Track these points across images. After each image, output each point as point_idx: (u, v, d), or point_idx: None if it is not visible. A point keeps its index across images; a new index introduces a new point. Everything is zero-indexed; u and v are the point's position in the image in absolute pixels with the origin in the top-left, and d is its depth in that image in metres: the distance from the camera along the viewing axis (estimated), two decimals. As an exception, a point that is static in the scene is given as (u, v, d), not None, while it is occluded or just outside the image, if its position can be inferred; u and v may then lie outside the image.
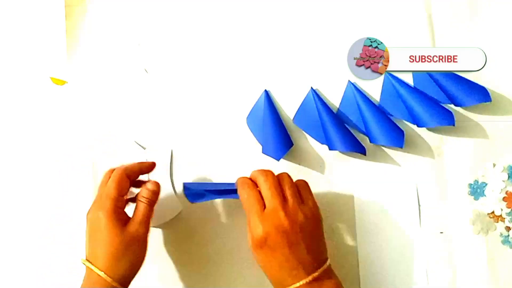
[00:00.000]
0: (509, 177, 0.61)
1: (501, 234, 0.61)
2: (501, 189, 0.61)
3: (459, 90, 0.60)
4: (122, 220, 0.53)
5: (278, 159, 0.60)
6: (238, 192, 0.54)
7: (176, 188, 0.62)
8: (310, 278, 0.50)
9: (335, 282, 0.52)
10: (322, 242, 0.53)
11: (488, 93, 0.60)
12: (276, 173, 0.54)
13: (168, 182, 0.62)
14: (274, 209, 0.51)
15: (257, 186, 0.53)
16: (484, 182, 0.61)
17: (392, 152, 0.62)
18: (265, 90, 0.63)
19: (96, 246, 0.53)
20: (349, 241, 0.61)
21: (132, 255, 0.53)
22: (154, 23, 0.65)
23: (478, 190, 0.61)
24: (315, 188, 0.61)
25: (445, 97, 0.61)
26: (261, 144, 0.62)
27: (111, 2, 0.66)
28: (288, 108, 0.63)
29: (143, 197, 0.55)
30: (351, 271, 0.60)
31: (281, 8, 0.65)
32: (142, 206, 0.54)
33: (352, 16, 0.64)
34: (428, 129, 0.62)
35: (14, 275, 0.62)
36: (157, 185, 0.56)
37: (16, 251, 0.63)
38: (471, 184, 0.61)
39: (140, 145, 0.64)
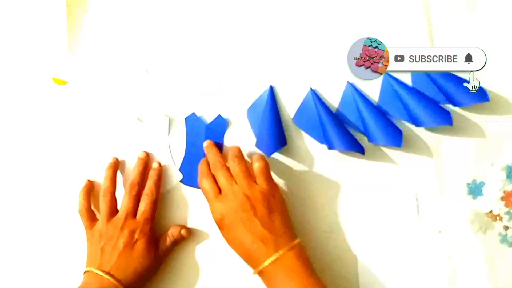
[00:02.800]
0: (507, 176, 0.61)
1: (499, 233, 0.61)
2: (499, 189, 0.61)
3: (458, 90, 0.61)
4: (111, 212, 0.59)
5: (269, 155, 0.60)
6: (198, 180, 0.58)
7: (175, 161, 0.63)
8: (273, 257, 0.52)
9: (302, 264, 0.53)
10: (284, 221, 0.55)
11: (486, 93, 0.60)
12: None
13: (168, 155, 0.63)
14: (224, 192, 0.55)
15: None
16: (482, 182, 0.61)
17: (390, 152, 0.62)
18: (270, 86, 0.63)
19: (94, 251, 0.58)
20: (348, 240, 0.61)
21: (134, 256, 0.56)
22: (154, 23, 0.65)
23: (476, 190, 0.61)
24: (314, 188, 0.61)
25: (444, 97, 0.61)
26: (256, 137, 0.62)
27: (111, 2, 0.66)
28: (288, 108, 0.63)
29: (172, 235, 0.60)
30: (350, 271, 0.61)
31: (281, 9, 0.65)
32: (165, 243, 0.60)
33: (352, 16, 0.64)
34: (427, 128, 0.62)
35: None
36: (188, 233, 0.61)
37: (13, 251, 0.63)
38: (469, 184, 0.61)
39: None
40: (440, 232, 0.61)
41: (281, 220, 0.54)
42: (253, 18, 0.65)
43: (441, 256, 0.61)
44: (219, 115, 0.63)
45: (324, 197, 0.62)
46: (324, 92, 0.63)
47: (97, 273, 0.55)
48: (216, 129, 0.63)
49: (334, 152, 0.62)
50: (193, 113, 0.63)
